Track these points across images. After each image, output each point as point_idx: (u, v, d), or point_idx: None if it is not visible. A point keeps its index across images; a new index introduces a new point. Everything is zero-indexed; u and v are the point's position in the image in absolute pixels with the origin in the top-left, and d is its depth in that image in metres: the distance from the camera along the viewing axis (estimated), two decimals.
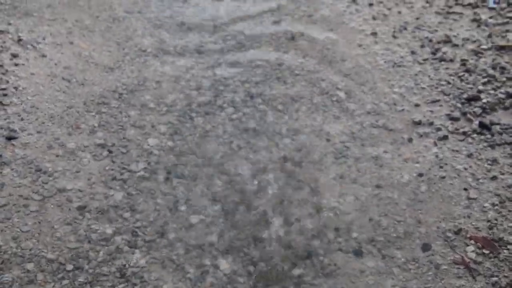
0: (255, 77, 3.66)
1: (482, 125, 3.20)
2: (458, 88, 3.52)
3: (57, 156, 2.86)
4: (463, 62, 3.76)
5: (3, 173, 2.69)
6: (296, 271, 2.42)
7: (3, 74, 3.29)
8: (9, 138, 2.88)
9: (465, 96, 3.45)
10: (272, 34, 4.15)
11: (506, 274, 2.39)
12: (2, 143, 2.85)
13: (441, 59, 3.82)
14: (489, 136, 3.13)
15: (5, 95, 3.14)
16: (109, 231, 2.51)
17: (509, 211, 2.68)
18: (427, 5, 4.54)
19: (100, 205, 2.63)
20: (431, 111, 3.36)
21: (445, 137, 3.14)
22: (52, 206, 2.58)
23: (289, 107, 3.39)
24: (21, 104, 3.13)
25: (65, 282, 2.27)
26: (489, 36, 4.04)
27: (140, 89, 3.45)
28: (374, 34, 4.17)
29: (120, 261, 2.39)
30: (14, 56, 3.48)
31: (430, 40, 4.05)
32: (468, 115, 3.29)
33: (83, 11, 4.18)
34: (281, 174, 2.91)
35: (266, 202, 2.75)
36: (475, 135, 3.15)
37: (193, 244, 2.51)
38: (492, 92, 3.45)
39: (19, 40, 3.64)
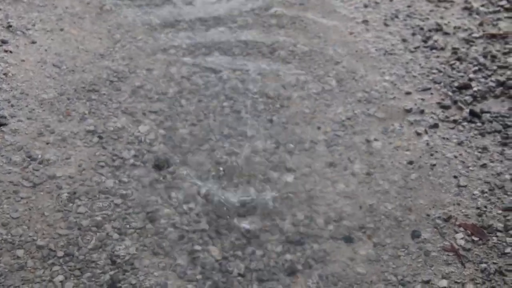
0: (246, 64, 3.65)
1: (472, 113, 3.21)
2: (449, 76, 3.53)
3: (47, 143, 2.85)
4: (454, 51, 3.76)
5: None
6: (288, 257, 2.43)
7: None
8: None
9: (456, 84, 3.46)
10: (264, 21, 4.13)
11: (494, 261, 2.41)
12: None
13: (432, 47, 3.83)
14: (479, 124, 3.15)
15: None
16: (99, 218, 2.51)
17: (498, 198, 2.70)
18: None
19: (91, 192, 2.63)
20: (422, 99, 3.37)
21: (435, 125, 3.15)
22: (42, 193, 2.58)
23: (280, 94, 3.39)
24: (11, 90, 3.11)
25: (55, 268, 2.27)
26: (481, 24, 4.05)
27: (131, 76, 3.43)
28: (365, 22, 4.17)
29: (110, 248, 2.39)
30: (4, 42, 3.45)
31: (422, 28, 4.05)
32: (459, 103, 3.30)
33: None
34: (273, 162, 2.91)
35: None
36: (465, 123, 3.16)
37: (183, 231, 2.51)
38: (483, 80, 3.46)
39: (9, 26, 3.61)
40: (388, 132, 3.13)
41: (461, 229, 2.56)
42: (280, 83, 3.48)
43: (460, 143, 3.03)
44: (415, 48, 3.85)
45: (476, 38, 3.89)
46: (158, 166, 2.81)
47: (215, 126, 3.11)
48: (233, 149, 2.97)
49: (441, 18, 4.19)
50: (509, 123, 3.12)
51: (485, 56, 3.68)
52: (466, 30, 4.01)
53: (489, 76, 3.49)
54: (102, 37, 3.79)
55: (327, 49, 3.83)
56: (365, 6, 4.38)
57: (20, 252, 2.31)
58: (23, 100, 3.07)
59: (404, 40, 3.93)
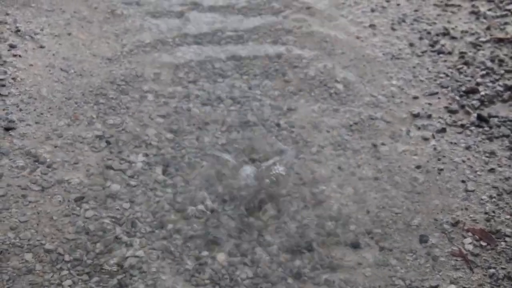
0: (253, 69, 3.66)
1: (480, 117, 3.20)
2: (457, 81, 3.53)
3: (55, 147, 2.86)
4: (462, 55, 3.76)
5: (1, 164, 2.68)
6: (296, 263, 2.42)
7: (1, 65, 3.28)
8: (7, 129, 2.87)
9: (463, 88, 3.46)
10: (270, 26, 4.14)
11: (503, 266, 2.40)
12: (0, 133, 2.85)
13: (440, 52, 3.83)
14: (487, 128, 3.14)
15: (3, 85, 3.13)
16: (107, 222, 2.51)
17: (507, 203, 2.69)
18: None
19: (99, 196, 2.63)
20: (430, 104, 3.36)
21: (443, 130, 3.15)
22: (50, 197, 2.58)
23: (288, 99, 3.39)
24: (20, 95, 3.12)
25: (63, 273, 2.27)
26: (488, 28, 4.04)
27: (138, 80, 3.44)
28: (372, 26, 4.17)
29: (118, 252, 2.39)
30: (12, 47, 3.47)
31: (429, 33, 4.05)
32: (466, 108, 3.29)
33: (81, 2, 4.17)
34: (280, 167, 2.91)
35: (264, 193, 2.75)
36: (473, 128, 3.16)
37: (191, 236, 2.51)
38: (490, 84, 3.46)
39: (17, 31, 3.63)
40: (395, 137, 3.12)
41: (469, 234, 2.56)
42: (287, 87, 3.48)
43: (467, 148, 3.03)
44: (422, 52, 3.84)
45: (484, 42, 3.89)
46: (166, 171, 2.82)
47: (222, 130, 3.12)
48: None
49: (448, 22, 4.18)
50: None
51: (492, 60, 3.67)
52: (473, 34, 4.00)
53: (497, 80, 3.49)
54: (110, 41, 3.80)
55: (334, 53, 3.83)
56: (372, 10, 4.38)
57: (28, 256, 2.31)
58: (31, 104, 3.08)
59: (411, 45, 3.93)
